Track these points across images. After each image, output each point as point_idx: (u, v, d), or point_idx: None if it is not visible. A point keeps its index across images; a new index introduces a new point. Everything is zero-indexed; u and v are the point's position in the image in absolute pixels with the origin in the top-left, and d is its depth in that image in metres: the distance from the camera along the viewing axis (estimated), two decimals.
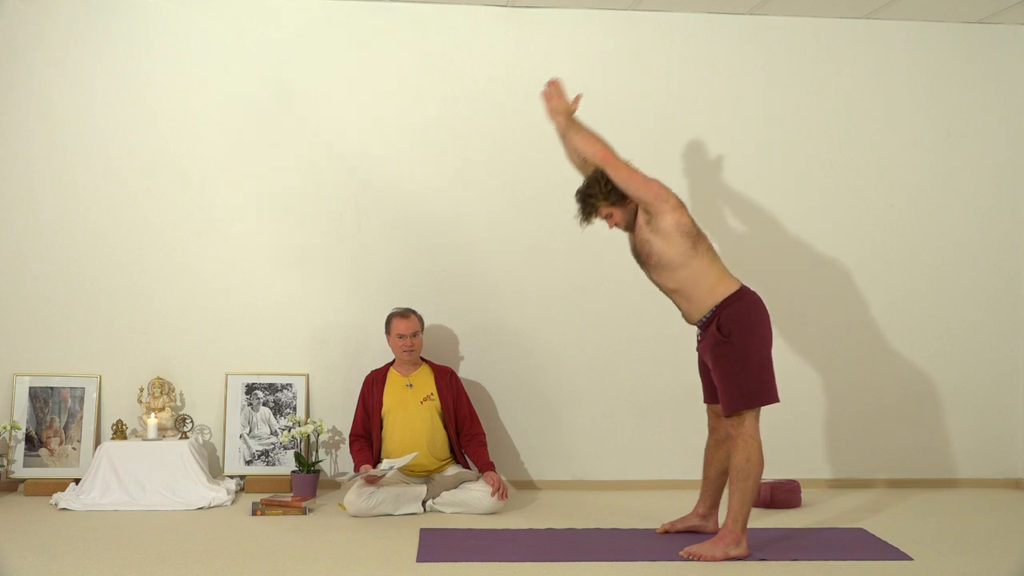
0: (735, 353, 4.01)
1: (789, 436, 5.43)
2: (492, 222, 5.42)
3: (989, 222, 5.60)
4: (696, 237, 4.08)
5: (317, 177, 5.34)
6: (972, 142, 5.58)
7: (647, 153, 5.41)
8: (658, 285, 4.19)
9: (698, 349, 4.24)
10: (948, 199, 5.58)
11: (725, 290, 4.06)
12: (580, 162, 4.29)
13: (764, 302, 4.14)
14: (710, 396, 4.29)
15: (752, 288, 4.18)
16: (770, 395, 4.07)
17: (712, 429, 4.36)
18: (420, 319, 5.00)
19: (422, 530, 4.41)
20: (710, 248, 4.12)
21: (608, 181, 4.13)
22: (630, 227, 4.20)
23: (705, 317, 4.08)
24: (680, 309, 4.20)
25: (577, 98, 4.26)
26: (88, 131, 5.23)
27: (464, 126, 5.39)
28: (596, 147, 4.15)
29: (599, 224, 5.40)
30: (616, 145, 5.37)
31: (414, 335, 4.93)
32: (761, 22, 5.48)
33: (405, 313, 4.97)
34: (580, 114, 5.38)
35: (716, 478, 4.35)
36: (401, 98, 5.37)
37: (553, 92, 4.26)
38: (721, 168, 5.48)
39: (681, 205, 4.09)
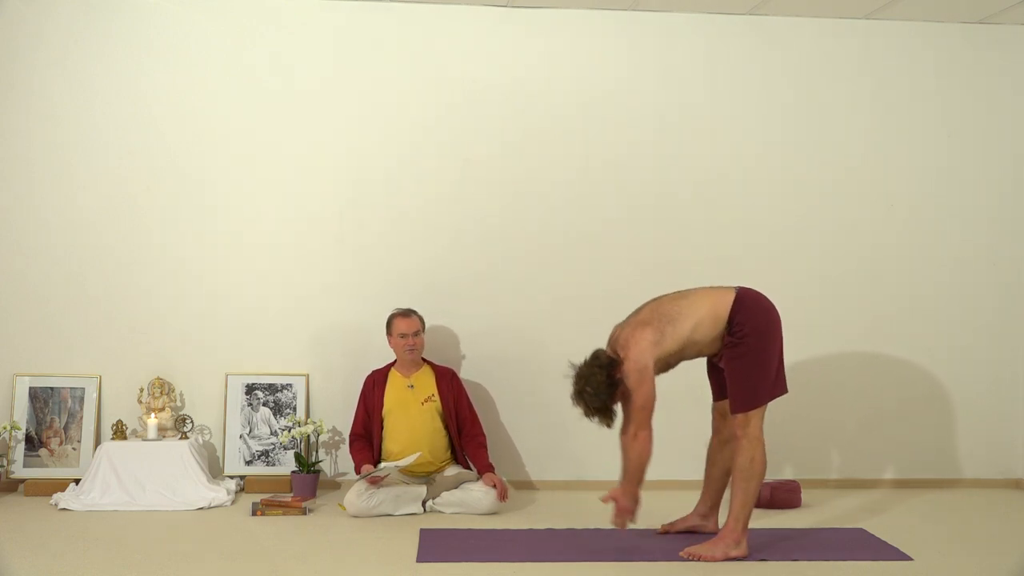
0: (750, 355, 4.01)
1: (789, 436, 5.43)
2: (492, 222, 5.41)
3: (990, 222, 5.60)
4: (657, 348, 4.02)
5: (317, 177, 5.34)
6: (973, 142, 5.58)
7: (646, 153, 5.45)
8: (697, 356, 4.18)
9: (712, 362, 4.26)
10: (949, 199, 5.58)
11: (724, 307, 4.04)
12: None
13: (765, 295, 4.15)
14: (719, 394, 4.29)
15: (753, 287, 4.18)
16: (779, 388, 4.09)
17: (716, 430, 4.36)
18: (421, 319, 5.00)
19: (422, 530, 4.41)
20: (671, 321, 4.04)
21: (600, 395, 4.06)
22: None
23: (723, 334, 4.07)
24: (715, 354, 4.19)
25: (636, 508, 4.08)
26: (88, 131, 5.24)
27: (464, 126, 5.39)
28: (643, 460, 4.03)
29: (600, 222, 5.44)
30: (615, 145, 5.43)
31: (415, 334, 4.93)
32: (761, 22, 5.48)
33: (406, 313, 4.98)
34: (585, 114, 5.43)
35: (719, 478, 4.35)
36: (401, 98, 5.37)
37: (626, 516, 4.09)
38: (721, 168, 5.48)
39: (645, 380, 3.99)
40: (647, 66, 5.45)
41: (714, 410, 4.36)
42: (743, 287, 4.15)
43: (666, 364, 4.12)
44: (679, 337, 4.03)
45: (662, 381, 5.60)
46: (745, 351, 4.00)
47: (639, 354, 3.99)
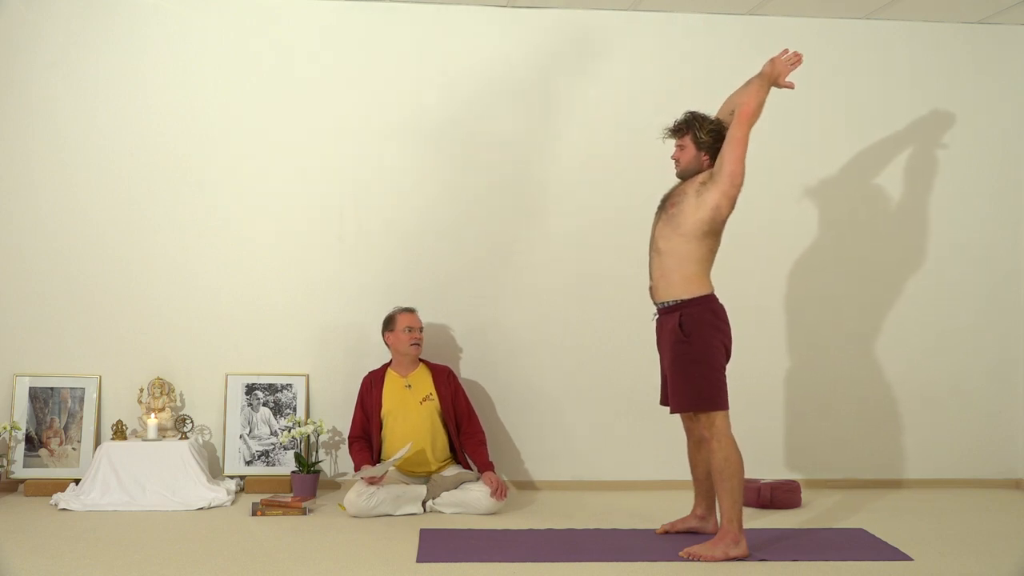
0: (694, 354, 4.04)
1: (789, 436, 5.43)
2: (492, 222, 5.41)
3: (989, 222, 5.60)
4: (715, 231, 4.12)
5: (317, 177, 5.34)
6: (972, 142, 5.58)
7: (646, 153, 5.44)
8: (654, 238, 4.22)
9: (658, 345, 4.27)
10: (948, 199, 5.58)
11: (698, 289, 4.09)
12: (728, 113, 4.27)
13: (727, 312, 4.15)
14: (666, 398, 4.30)
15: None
16: (720, 402, 4.06)
17: (688, 431, 4.37)
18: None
19: (422, 530, 4.41)
20: (713, 250, 4.16)
21: (714, 131, 4.17)
22: (684, 174, 4.22)
23: (667, 303, 4.12)
24: (651, 278, 4.22)
25: (790, 85, 4.32)
26: (88, 131, 5.24)
27: (464, 126, 5.39)
28: (750, 106, 4.16)
29: (599, 221, 5.43)
30: (615, 145, 5.43)
31: (420, 329, 4.95)
32: (761, 22, 5.48)
33: (410, 309, 5.02)
34: (584, 115, 5.43)
35: (704, 480, 4.36)
36: (401, 98, 5.37)
37: (793, 61, 4.33)
38: None
39: (733, 199, 4.10)
40: (647, 66, 5.45)
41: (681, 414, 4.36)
42: (714, 296, 4.13)
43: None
44: (716, 226, 4.12)
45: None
46: (689, 350, 4.04)
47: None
